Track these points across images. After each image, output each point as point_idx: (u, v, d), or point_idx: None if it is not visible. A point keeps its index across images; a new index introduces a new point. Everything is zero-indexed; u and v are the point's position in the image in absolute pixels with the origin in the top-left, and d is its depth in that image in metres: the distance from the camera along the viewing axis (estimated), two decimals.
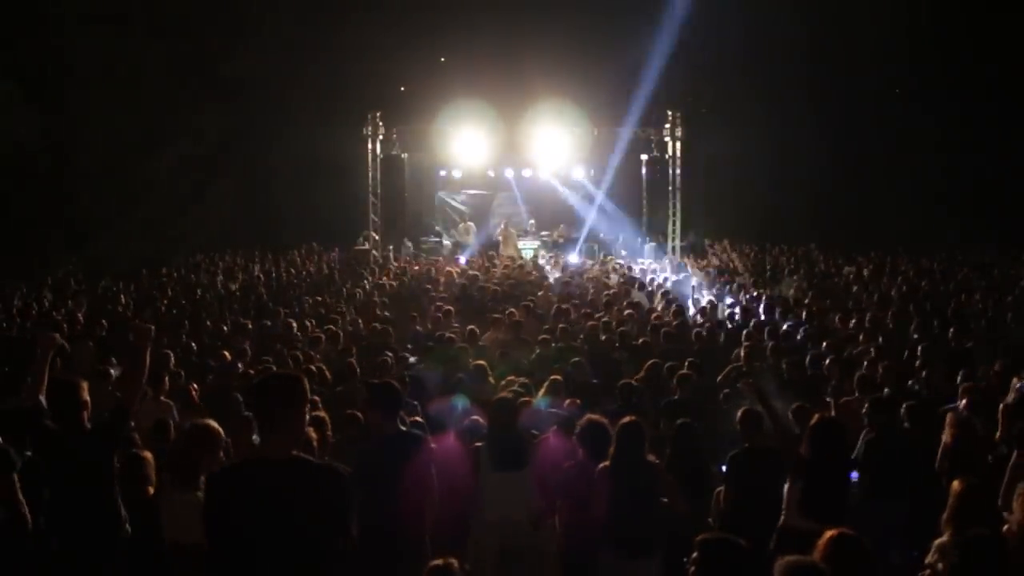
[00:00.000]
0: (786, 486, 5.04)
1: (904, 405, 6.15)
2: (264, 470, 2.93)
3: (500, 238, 22.02)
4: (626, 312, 11.30)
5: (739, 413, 5.67)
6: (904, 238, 20.97)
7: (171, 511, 4.43)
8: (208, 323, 11.24)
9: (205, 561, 3.07)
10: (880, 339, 9.24)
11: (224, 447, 4.74)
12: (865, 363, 7.89)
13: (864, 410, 6.05)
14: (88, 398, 4.42)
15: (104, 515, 4.31)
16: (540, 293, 13.36)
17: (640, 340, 9.39)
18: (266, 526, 2.84)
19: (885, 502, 5.61)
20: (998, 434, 5.67)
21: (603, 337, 9.66)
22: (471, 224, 23.58)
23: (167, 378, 7.25)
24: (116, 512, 4.35)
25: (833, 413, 6.36)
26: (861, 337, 9.44)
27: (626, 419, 5.07)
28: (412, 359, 9.00)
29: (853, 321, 10.49)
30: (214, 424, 4.65)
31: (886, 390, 6.97)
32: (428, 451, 4.94)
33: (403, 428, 4.92)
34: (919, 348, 8.32)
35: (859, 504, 5.55)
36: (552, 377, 7.15)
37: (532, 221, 24.90)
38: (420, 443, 4.83)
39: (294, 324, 10.79)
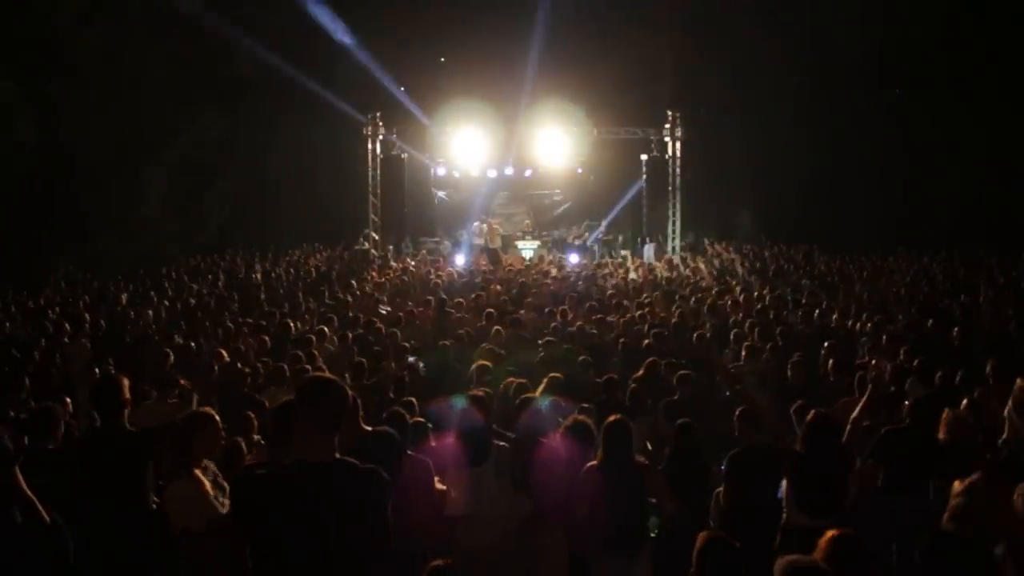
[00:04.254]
0: (784, 484, 5.05)
1: (906, 403, 6.13)
2: (306, 473, 2.93)
3: (487, 238, 22.02)
4: (637, 313, 11.28)
5: (737, 412, 5.66)
6: (905, 238, 20.97)
7: (171, 497, 4.46)
8: (207, 323, 11.24)
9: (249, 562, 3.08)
10: (881, 339, 9.21)
11: (221, 434, 4.76)
12: (871, 362, 7.86)
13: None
14: (129, 396, 4.56)
15: (132, 513, 4.36)
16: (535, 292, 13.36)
17: (645, 342, 9.38)
18: (307, 529, 2.85)
19: (903, 499, 5.57)
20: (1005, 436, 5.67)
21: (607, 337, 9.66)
22: (497, 227, 23.47)
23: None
24: (146, 511, 4.41)
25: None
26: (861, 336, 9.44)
27: (612, 418, 5.06)
28: (412, 359, 9.00)
29: (853, 321, 10.47)
30: (209, 410, 4.68)
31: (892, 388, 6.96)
32: (426, 451, 4.91)
33: (369, 428, 4.91)
34: (920, 347, 8.31)
35: (875, 501, 5.52)
36: (551, 375, 7.13)
37: (528, 221, 24.95)
38: (397, 443, 4.82)
39: (292, 325, 10.79)
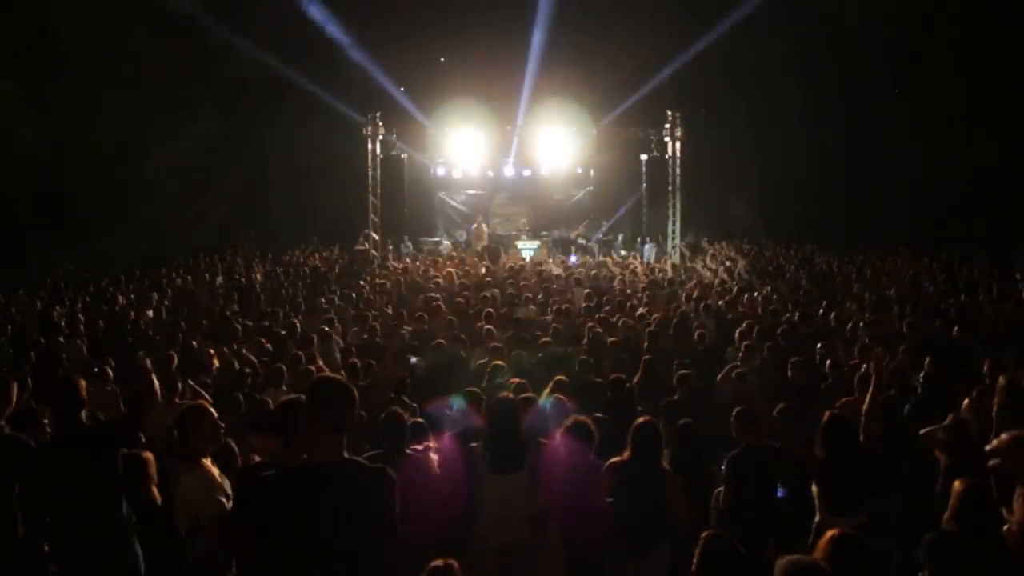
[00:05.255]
0: (814, 487, 5.10)
1: (907, 405, 6.15)
2: (315, 473, 2.95)
3: (473, 236, 22.12)
4: (637, 313, 11.30)
5: (734, 412, 5.67)
6: (905, 237, 20.97)
7: (182, 490, 4.46)
8: (207, 324, 11.23)
9: (257, 562, 3.09)
10: (881, 338, 9.21)
11: (219, 425, 4.75)
12: (865, 364, 7.85)
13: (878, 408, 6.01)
14: (86, 396, 4.50)
15: (109, 515, 4.31)
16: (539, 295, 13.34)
17: (645, 343, 9.41)
18: (315, 527, 2.87)
19: (882, 500, 5.60)
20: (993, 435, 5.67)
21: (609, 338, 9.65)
22: (484, 226, 23.58)
23: (178, 383, 7.18)
24: (120, 512, 4.36)
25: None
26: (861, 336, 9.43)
27: (642, 419, 5.08)
28: (413, 359, 9.00)
29: (850, 321, 10.47)
30: (204, 404, 4.68)
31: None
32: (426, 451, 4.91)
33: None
34: (919, 347, 8.30)
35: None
36: (557, 377, 7.11)
37: (524, 220, 24.97)
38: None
39: (298, 325, 10.80)
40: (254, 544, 3.05)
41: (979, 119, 23.11)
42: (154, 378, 5.09)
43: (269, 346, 9.56)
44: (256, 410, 6.34)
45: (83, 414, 4.48)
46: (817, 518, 5.07)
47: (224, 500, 4.35)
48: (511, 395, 5.91)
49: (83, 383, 4.55)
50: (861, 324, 9.95)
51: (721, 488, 5.63)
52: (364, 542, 2.92)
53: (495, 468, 5.17)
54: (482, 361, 8.18)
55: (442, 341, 9.22)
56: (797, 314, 11.05)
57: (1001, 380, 6.03)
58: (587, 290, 13.88)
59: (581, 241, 22.69)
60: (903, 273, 16.13)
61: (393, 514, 2.99)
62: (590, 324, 10.19)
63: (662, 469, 5.02)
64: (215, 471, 4.48)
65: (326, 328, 10.06)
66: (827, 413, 5.28)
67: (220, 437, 4.77)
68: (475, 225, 23.06)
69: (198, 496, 4.33)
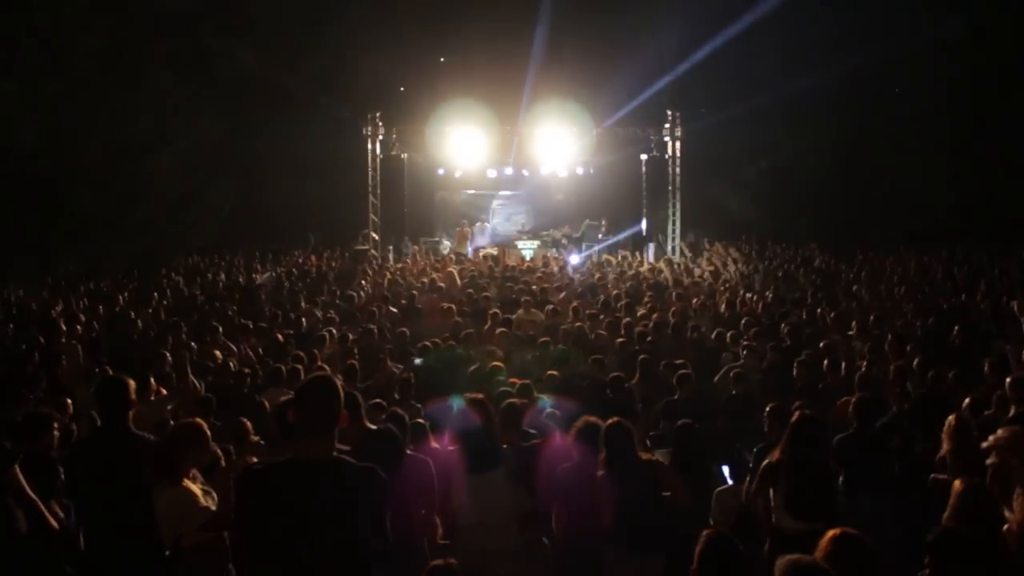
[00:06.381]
0: (770, 489, 5.02)
1: (907, 405, 6.15)
2: (304, 470, 2.94)
3: (455, 237, 22.13)
4: (638, 313, 11.30)
5: (767, 408, 5.74)
6: (905, 237, 20.96)
7: (161, 505, 4.41)
8: (207, 324, 11.21)
9: (246, 559, 3.08)
10: (880, 338, 9.21)
11: (210, 444, 4.70)
12: (864, 363, 7.87)
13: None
14: (135, 397, 4.51)
15: (138, 519, 4.28)
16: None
17: (647, 339, 9.42)
18: (302, 525, 2.86)
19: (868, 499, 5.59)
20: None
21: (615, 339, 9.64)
22: (487, 225, 23.62)
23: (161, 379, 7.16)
24: (151, 516, 4.33)
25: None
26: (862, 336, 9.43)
27: (610, 421, 5.04)
28: (417, 360, 8.99)
29: (850, 321, 10.47)
30: (198, 421, 4.66)
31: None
32: (426, 451, 4.91)
33: (372, 427, 4.95)
34: (919, 347, 8.31)
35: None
36: (548, 373, 7.12)
37: (527, 220, 24.95)
38: (399, 442, 4.85)
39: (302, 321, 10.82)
40: (250, 543, 3.04)
41: (979, 119, 23.11)
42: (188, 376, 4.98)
43: (284, 342, 9.55)
44: (255, 411, 6.36)
45: (130, 415, 4.46)
46: (772, 520, 4.99)
47: (207, 511, 4.25)
48: (481, 396, 5.91)
49: (131, 383, 4.53)
50: (855, 326, 9.94)
51: (721, 488, 5.64)
52: (351, 542, 2.89)
53: (470, 468, 5.20)
54: (475, 366, 8.16)
55: (437, 341, 9.22)
56: (797, 314, 11.06)
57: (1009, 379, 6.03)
58: (616, 289, 13.84)
59: (564, 240, 22.71)
60: (905, 273, 16.11)
61: (382, 515, 2.97)
62: (578, 324, 10.20)
63: (643, 460, 4.98)
64: (196, 487, 4.38)
65: (334, 330, 10.10)
66: (797, 414, 5.20)
67: (208, 457, 4.70)
68: (458, 228, 23.07)
69: (177, 513, 4.22)
